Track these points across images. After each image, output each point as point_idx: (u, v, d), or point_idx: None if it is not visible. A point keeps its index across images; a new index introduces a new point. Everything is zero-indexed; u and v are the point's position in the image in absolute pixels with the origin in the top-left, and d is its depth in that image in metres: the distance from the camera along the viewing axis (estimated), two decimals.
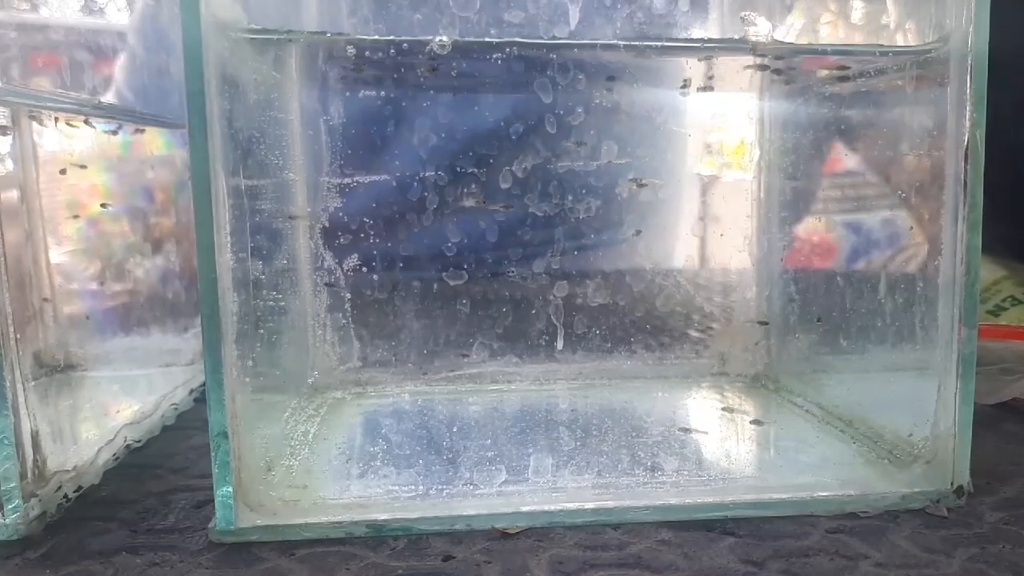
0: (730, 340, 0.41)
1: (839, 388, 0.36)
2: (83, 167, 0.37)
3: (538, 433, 0.34)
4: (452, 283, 0.41)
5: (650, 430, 0.34)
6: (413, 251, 0.41)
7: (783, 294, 0.40)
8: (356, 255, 0.40)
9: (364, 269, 0.40)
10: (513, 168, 0.39)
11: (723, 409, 0.37)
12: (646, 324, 0.41)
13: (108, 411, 0.35)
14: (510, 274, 0.41)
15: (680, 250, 0.43)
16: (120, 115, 0.40)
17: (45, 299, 0.35)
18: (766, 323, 0.40)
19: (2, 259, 0.26)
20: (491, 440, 0.33)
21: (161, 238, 0.43)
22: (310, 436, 0.34)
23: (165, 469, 0.33)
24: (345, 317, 0.41)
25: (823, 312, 0.37)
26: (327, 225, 0.39)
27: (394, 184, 0.40)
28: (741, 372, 0.41)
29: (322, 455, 0.32)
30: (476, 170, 0.40)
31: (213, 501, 0.28)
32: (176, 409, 0.39)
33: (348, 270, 0.40)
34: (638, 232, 0.40)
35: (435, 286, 0.41)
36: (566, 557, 0.25)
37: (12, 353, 0.26)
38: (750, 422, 0.36)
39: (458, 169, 0.40)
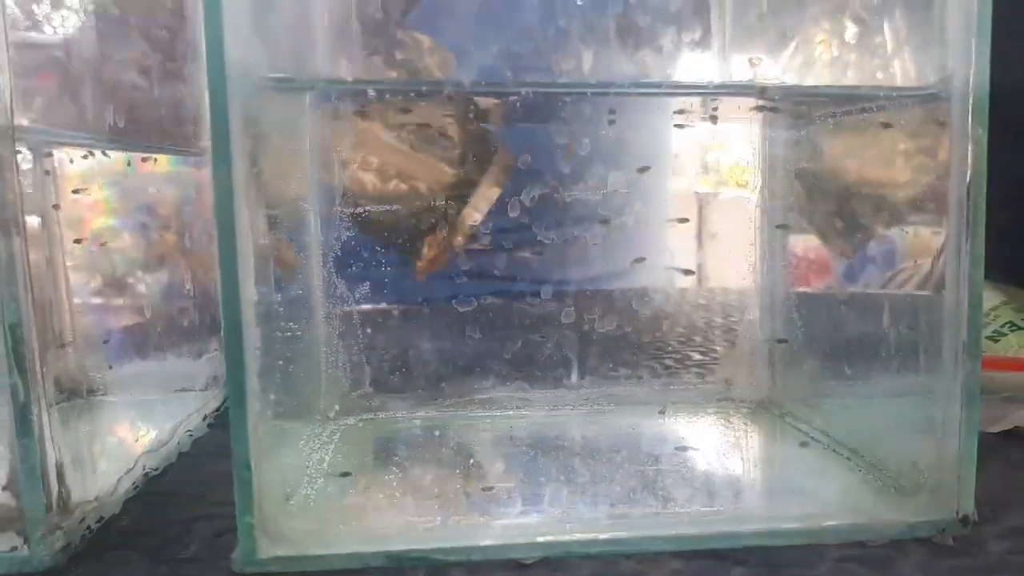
0: (735, 366, 0.42)
1: (843, 414, 0.37)
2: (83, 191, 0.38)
3: (550, 461, 0.34)
4: (461, 310, 0.42)
5: (660, 458, 0.35)
6: (417, 282, 0.42)
7: (787, 320, 0.41)
8: (367, 283, 0.40)
9: (375, 297, 0.41)
10: (521, 197, 0.40)
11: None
12: (652, 350, 0.42)
13: (127, 438, 0.36)
14: (518, 301, 0.42)
15: (683, 275, 0.43)
16: (135, 146, 0.40)
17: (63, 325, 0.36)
18: (785, 340, 0.40)
19: (28, 293, 0.26)
20: (504, 469, 0.33)
21: (173, 261, 0.43)
22: (325, 464, 0.35)
23: (183, 497, 0.33)
24: (357, 344, 0.42)
25: (826, 338, 0.38)
26: (339, 254, 0.40)
27: (404, 214, 0.41)
28: (746, 398, 0.42)
29: (338, 484, 0.33)
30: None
31: (233, 530, 0.28)
32: (191, 435, 0.39)
33: (359, 298, 0.41)
34: (641, 259, 0.41)
35: (445, 313, 0.42)
36: None
37: (39, 385, 0.26)
38: (799, 444, 0.36)
39: (467, 198, 0.41)
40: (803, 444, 0.36)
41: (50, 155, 0.34)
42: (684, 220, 0.38)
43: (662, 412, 0.39)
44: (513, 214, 0.41)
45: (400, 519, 0.29)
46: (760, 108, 0.32)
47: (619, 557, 0.27)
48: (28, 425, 0.26)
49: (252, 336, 0.26)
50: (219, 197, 0.25)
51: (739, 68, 0.35)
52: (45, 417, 0.26)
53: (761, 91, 0.29)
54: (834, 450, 0.35)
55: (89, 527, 0.29)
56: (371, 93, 0.29)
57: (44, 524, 0.26)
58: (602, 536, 0.27)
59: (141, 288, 0.40)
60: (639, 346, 0.43)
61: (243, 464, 0.26)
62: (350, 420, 0.41)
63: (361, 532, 0.28)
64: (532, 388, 0.43)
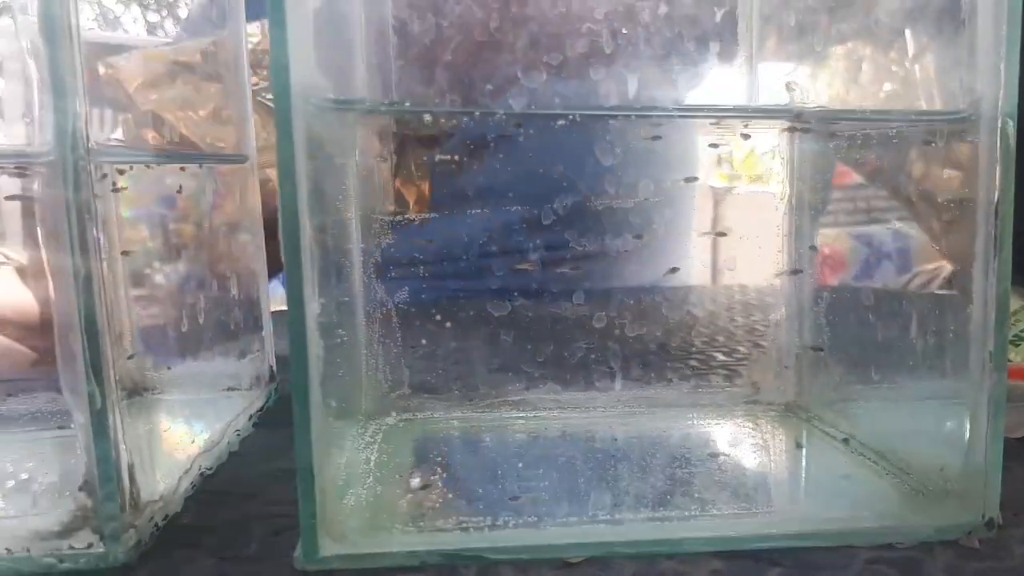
0: (762, 370, 0.43)
1: (870, 419, 0.38)
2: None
3: (589, 463, 0.36)
4: (496, 314, 0.43)
5: (694, 460, 0.36)
6: (459, 284, 0.44)
7: (814, 325, 0.42)
8: (406, 288, 0.42)
9: (413, 301, 0.42)
10: (555, 206, 0.42)
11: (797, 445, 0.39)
12: (682, 354, 0.43)
13: (184, 438, 0.37)
14: (551, 305, 0.43)
15: (711, 278, 0.45)
16: (187, 158, 0.42)
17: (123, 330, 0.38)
18: (821, 349, 0.41)
19: (104, 306, 0.28)
20: (546, 469, 0.35)
21: (220, 264, 0.45)
22: (371, 463, 0.36)
23: (237, 496, 0.35)
24: (396, 346, 0.43)
25: (853, 342, 0.39)
26: (379, 260, 0.42)
27: (443, 222, 0.43)
28: (773, 401, 0.43)
29: (387, 483, 0.34)
30: (520, 207, 0.42)
31: (289, 529, 0.30)
32: (239, 435, 0.41)
33: (399, 302, 0.42)
34: (675, 270, 0.42)
35: (480, 316, 0.44)
36: None
37: (112, 391, 0.28)
38: (841, 440, 0.37)
39: (504, 207, 0.42)
40: (845, 441, 0.37)
41: (118, 172, 0.36)
42: (722, 234, 0.40)
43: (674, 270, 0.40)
44: (547, 222, 0.42)
45: (452, 518, 0.30)
46: (792, 129, 0.33)
47: (661, 557, 0.29)
48: (104, 430, 0.27)
49: (315, 346, 0.27)
50: (285, 213, 0.26)
51: (769, 89, 0.37)
52: (118, 420, 0.28)
53: (797, 115, 0.30)
54: (862, 454, 0.36)
55: (156, 525, 0.30)
56: (427, 118, 0.30)
57: (119, 522, 0.28)
58: (645, 537, 0.29)
59: (192, 291, 0.42)
60: (669, 349, 0.44)
61: (307, 468, 0.27)
62: (390, 420, 0.42)
63: (416, 530, 0.29)
64: (564, 390, 0.44)
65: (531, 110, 0.30)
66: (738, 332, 0.44)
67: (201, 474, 0.36)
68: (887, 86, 0.35)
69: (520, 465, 0.36)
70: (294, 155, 0.26)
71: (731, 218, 0.44)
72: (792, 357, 0.43)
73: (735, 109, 0.33)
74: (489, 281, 0.42)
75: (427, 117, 0.30)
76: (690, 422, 0.42)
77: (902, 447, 0.35)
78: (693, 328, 0.44)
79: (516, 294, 0.42)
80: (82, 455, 0.28)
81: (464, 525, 0.29)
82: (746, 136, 0.36)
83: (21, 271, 0.53)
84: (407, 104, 0.30)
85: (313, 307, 0.27)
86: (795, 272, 0.40)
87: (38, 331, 0.50)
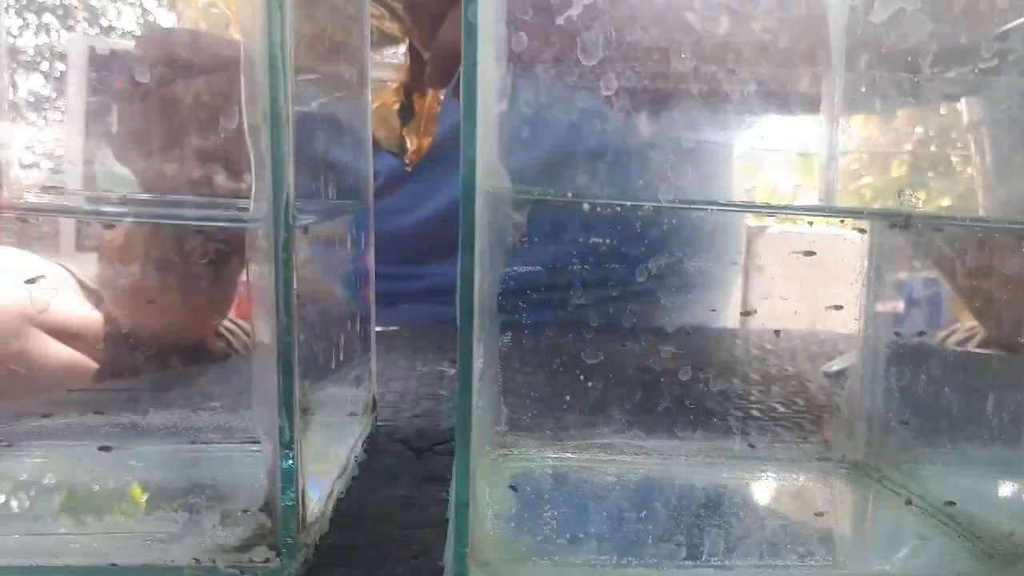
0: (835, 428, 0.47)
1: (939, 481, 0.42)
2: None
3: (689, 509, 0.40)
4: (589, 361, 0.47)
5: (777, 513, 0.40)
6: (553, 333, 0.48)
7: (885, 387, 0.46)
8: (509, 334, 0.46)
9: (512, 346, 0.46)
10: (649, 265, 0.46)
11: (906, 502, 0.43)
12: (760, 409, 0.47)
13: (327, 460, 0.41)
14: (639, 357, 0.47)
15: (789, 334, 0.49)
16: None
17: None
18: (906, 423, 0.45)
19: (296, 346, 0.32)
20: (648, 512, 0.39)
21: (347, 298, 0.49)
22: (486, 495, 0.40)
23: (369, 520, 0.39)
24: (496, 385, 0.47)
25: (923, 406, 0.43)
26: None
27: (545, 276, 0.47)
28: (843, 458, 0.47)
29: (505, 515, 0.38)
30: (618, 265, 0.46)
31: (425, 553, 0.34)
32: (357, 460, 0.45)
33: (501, 346, 0.46)
34: (753, 311, 0.46)
35: (573, 364, 0.48)
36: None
37: (297, 425, 0.32)
38: (945, 503, 0.41)
39: (604, 265, 0.46)
40: (908, 502, 0.41)
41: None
42: (811, 253, 0.43)
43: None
44: (641, 279, 0.46)
45: (573, 551, 0.34)
46: (895, 226, 0.37)
47: None
48: (289, 458, 0.32)
49: (477, 395, 0.31)
50: (463, 285, 0.31)
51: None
52: (299, 450, 0.32)
53: (907, 218, 0.35)
54: (932, 515, 0.40)
55: (316, 544, 0.34)
56: (586, 207, 0.35)
57: (294, 541, 0.32)
58: None
59: (336, 320, 0.46)
60: (748, 404, 0.48)
61: (463, 502, 0.31)
62: (491, 455, 0.46)
63: (550, 563, 0.33)
64: (648, 437, 0.48)
65: (678, 205, 0.34)
66: (815, 392, 0.48)
67: (337, 498, 0.40)
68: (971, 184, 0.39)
69: (625, 505, 0.40)
70: (475, 235, 0.30)
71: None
72: (863, 418, 0.47)
73: (850, 210, 0.38)
74: (584, 335, 0.47)
75: (585, 206, 0.35)
76: (769, 476, 0.45)
77: (971, 510, 0.38)
78: (772, 385, 0.48)
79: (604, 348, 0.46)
80: (264, 479, 0.32)
81: (592, 563, 0.33)
82: (862, 231, 0.40)
83: (85, 288, 0.57)
84: (569, 195, 0.35)
85: (478, 362, 0.31)
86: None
87: (101, 345, 0.53)
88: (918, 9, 0.35)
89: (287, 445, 0.31)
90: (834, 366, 0.51)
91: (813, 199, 0.46)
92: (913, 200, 0.35)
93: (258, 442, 0.43)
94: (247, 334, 0.57)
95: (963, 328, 0.54)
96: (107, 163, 0.46)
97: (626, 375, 0.48)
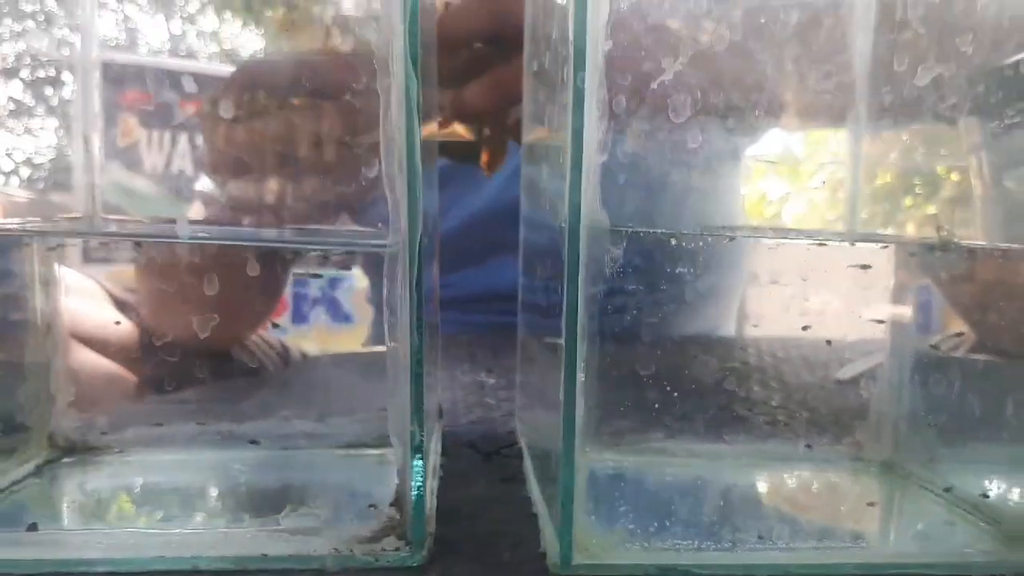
0: (865, 430, 0.53)
1: (962, 476, 0.47)
2: None
3: (750, 502, 0.45)
4: (643, 373, 0.53)
5: (833, 505, 0.45)
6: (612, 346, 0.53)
7: (911, 392, 0.52)
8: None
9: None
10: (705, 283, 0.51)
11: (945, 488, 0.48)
12: (800, 414, 0.53)
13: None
14: (693, 367, 0.53)
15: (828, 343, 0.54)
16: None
17: None
18: (935, 425, 0.50)
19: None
20: (716, 504, 0.44)
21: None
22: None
23: (462, 515, 0.44)
24: None
25: (947, 408, 0.49)
26: None
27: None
28: (873, 459, 0.52)
29: (585, 505, 0.43)
30: (672, 284, 0.52)
31: (522, 544, 0.39)
32: (439, 463, 0.50)
33: None
34: (805, 328, 0.51)
35: (630, 374, 0.53)
36: None
37: (426, 429, 0.37)
38: (944, 489, 0.46)
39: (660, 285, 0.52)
40: (947, 489, 0.46)
41: None
42: (867, 266, 0.48)
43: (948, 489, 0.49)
44: (693, 298, 0.52)
45: (666, 540, 0.39)
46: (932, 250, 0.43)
47: None
48: (420, 458, 0.37)
49: (581, 405, 0.37)
50: (568, 313, 0.36)
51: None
52: (430, 449, 0.37)
53: (943, 245, 0.40)
54: (957, 506, 0.46)
55: (432, 534, 0.39)
56: (673, 241, 0.40)
57: (422, 533, 0.37)
58: (810, 562, 0.38)
59: None
60: (788, 409, 0.54)
61: (568, 493, 0.37)
62: None
63: (638, 547, 0.38)
64: (697, 441, 0.54)
65: (747, 234, 0.40)
66: (848, 398, 0.53)
67: (434, 496, 0.45)
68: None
69: (690, 500, 0.45)
70: (579, 270, 0.36)
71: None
72: (890, 421, 0.52)
73: (894, 237, 0.43)
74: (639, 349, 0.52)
75: (673, 241, 0.40)
76: (810, 475, 0.51)
77: (993, 501, 0.44)
78: (808, 393, 0.54)
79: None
80: (394, 478, 0.37)
81: (677, 547, 0.38)
82: (913, 255, 0.46)
83: (115, 300, 0.60)
84: (660, 230, 0.40)
85: (580, 375, 0.37)
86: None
87: (136, 358, 0.55)
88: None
89: (417, 447, 0.36)
90: (848, 373, 0.56)
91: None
92: (946, 230, 0.41)
93: (348, 447, 0.49)
94: (271, 345, 0.61)
95: (953, 335, 0.60)
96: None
97: (678, 385, 0.53)
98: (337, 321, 0.66)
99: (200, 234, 0.43)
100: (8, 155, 0.46)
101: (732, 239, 0.43)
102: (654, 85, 0.36)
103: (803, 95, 0.41)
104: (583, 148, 0.35)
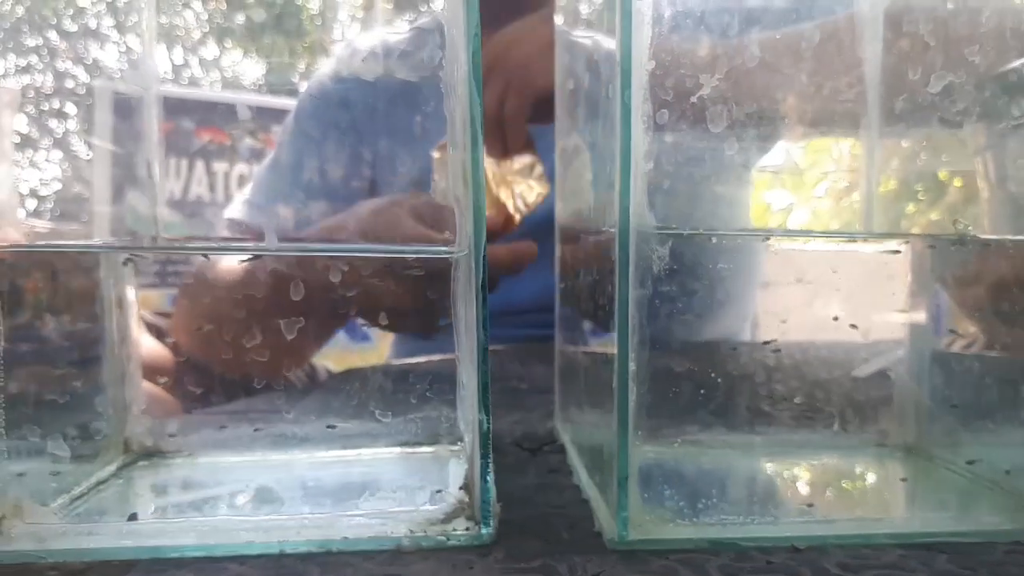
0: (889, 417, 0.56)
1: (982, 456, 0.50)
2: None
3: (788, 482, 0.48)
4: (677, 369, 0.56)
5: (866, 482, 0.49)
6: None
7: (931, 382, 0.55)
8: None
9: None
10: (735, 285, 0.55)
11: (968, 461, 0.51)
12: (826, 403, 0.56)
13: None
14: (720, 359, 0.56)
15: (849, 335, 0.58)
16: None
17: None
18: (956, 406, 0.53)
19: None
20: (758, 486, 0.47)
21: None
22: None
23: (518, 501, 0.47)
24: None
25: (967, 394, 0.52)
26: None
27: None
28: (896, 443, 0.56)
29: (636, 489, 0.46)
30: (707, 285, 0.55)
31: (576, 524, 0.42)
32: None
33: None
34: (836, 318, 0.55)
35: (665, 371, 0.56)
36: (842, 563, 0.39)
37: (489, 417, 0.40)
38: (966, 462, 0.49)
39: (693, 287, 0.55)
40: (970, 462, 0.49)
41: None
42: (896, 252, 0.51)
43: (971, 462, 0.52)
44: (727, 299, 0.55)
45: (714, 516, 0.42)
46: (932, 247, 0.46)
47: (860, 547, 0.41)
48: (486, 448, 0.40)
49: (633, 394, 0.40)
50: (620, 310, 0.39)
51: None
52: (491, 439, 0.40)
53: (960, 238, 0.44)
54: (979, 482, 0.49)
55: (497, 516, 0.43)
56: (713, 240, 0.44)
57: (491, 512, 0.40)
58: (849, 532, 0.41)
59: None
60: (815, 397, 0.57)
61: (624, 476, 0.40)
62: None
63: (690, 524, 0.42)
64: (729, 432, 0.57)
65: (779, 232, 0.44)
66: (871, 387, 0.56)
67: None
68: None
69: (729, 483, 0.48)
70: (629, 268, 0.39)
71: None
72: (912, 407, 0.56)
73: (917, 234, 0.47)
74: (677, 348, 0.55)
75: (713, 239, 0.44)
76: (840, 459, 0.54)
77: (1012, 478, 0.47)
78: (833, 383, 0.57)
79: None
80: (463, 463, 0.41)
81: (723, 521, 0.42)
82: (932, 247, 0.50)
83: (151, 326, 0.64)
84: (701, 229, 0.44)
85: (631, 365, 0.40)
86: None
87: (174, 381, 0.59)
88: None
89: (485, 434, 0.40)
90: (865, 370, 0.59)
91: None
92: (963, 224, 0.44)
93: (404, 445, 0.52)
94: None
95: (966, 336, 0.63)
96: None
97: (709, 381, 0.57)
98: (356, 341, 0.71)
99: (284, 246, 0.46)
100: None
101: (766, 239, 0.46)
102: (694, 99, 0.40)
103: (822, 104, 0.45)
104: (631, 159, 0.38)
